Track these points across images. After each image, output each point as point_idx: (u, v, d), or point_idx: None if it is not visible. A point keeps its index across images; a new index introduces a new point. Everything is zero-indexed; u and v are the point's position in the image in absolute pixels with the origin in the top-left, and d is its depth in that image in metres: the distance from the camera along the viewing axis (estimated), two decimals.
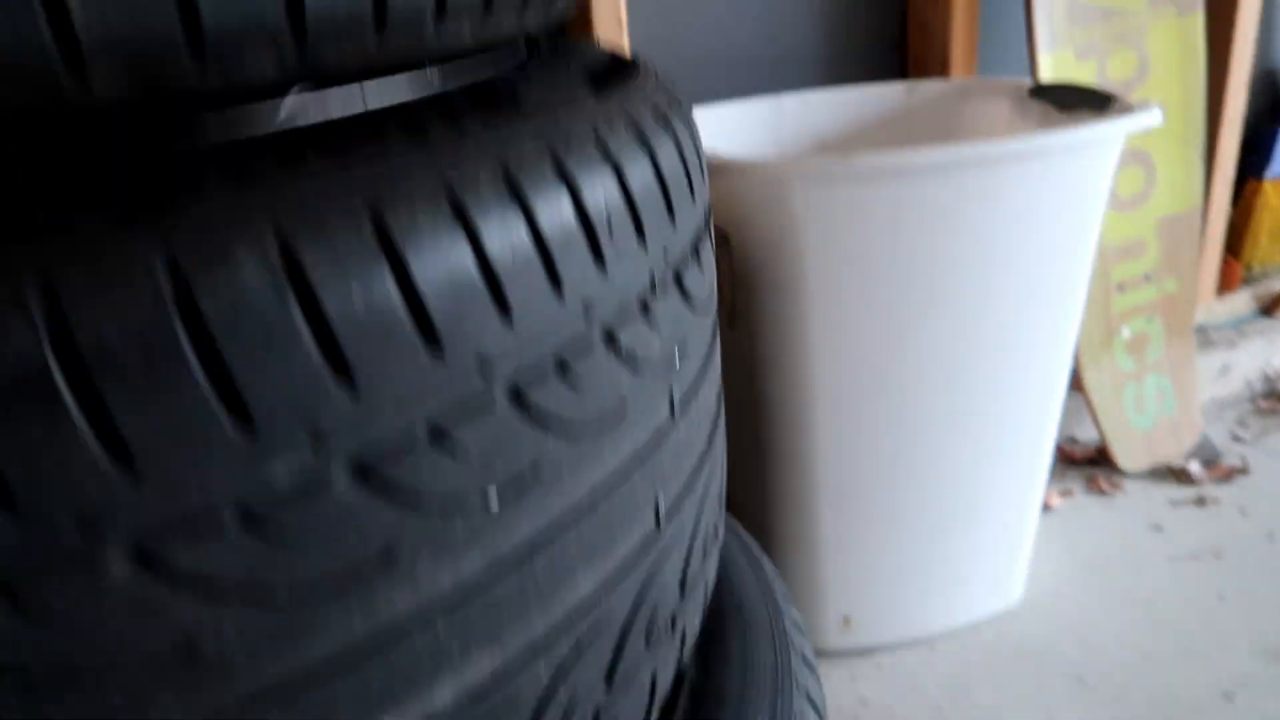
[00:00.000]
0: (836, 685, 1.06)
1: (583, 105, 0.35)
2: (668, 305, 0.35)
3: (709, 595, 0.45)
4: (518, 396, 0.30)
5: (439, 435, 0.28)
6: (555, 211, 0.31)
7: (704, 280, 0.40)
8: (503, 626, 0.31)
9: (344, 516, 0.27)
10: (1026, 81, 1.15)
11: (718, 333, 0.45)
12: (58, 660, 0.24)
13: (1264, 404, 1.61)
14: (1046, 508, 1.35)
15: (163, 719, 0.26)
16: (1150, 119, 0.92)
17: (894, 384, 0.94)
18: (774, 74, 1.27)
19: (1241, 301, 1.74)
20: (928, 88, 1.20)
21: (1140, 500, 1.36)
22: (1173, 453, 1.44)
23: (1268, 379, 1.66)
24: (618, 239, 0.32)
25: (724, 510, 0.49)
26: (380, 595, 0.28)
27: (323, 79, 0.31)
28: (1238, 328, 1.70)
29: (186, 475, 0.24)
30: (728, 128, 1.15)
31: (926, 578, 1.07)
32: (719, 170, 0.86)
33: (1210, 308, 1.69)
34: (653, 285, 0.34)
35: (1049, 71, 1.23)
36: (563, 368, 0.31)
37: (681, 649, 0.41)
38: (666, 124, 0.39)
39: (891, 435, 0.97)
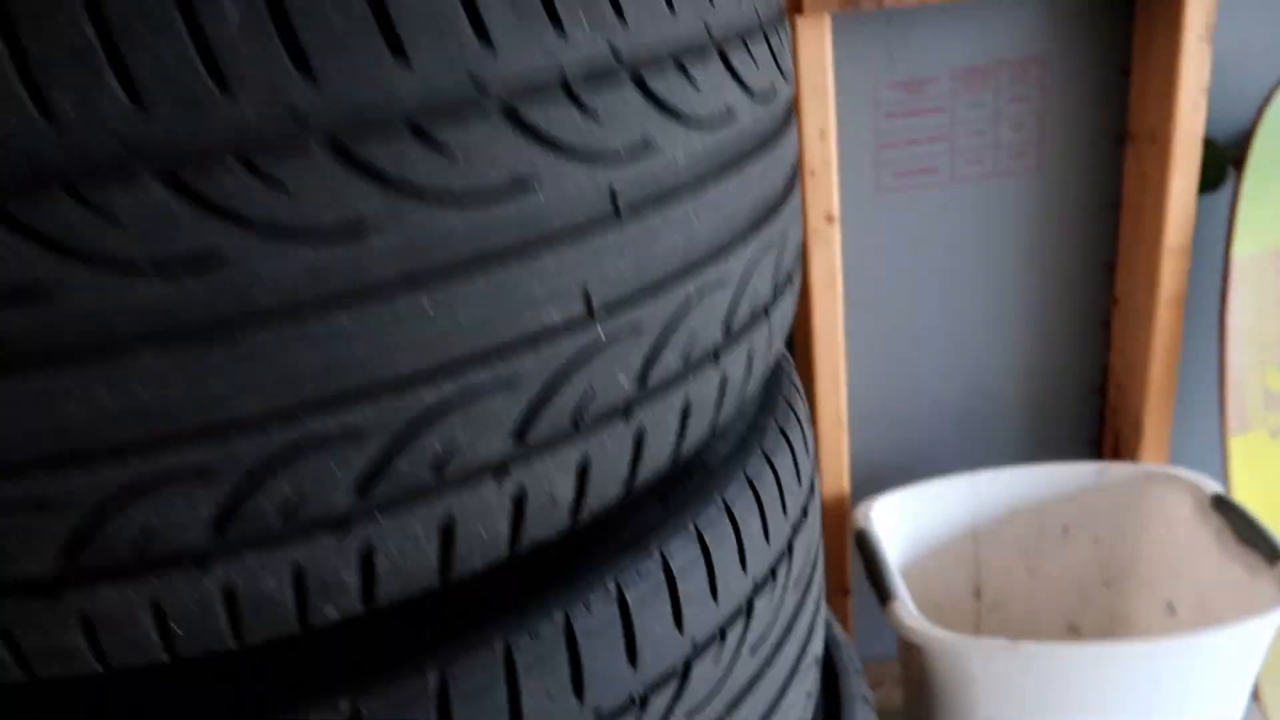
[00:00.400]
0: None
1: None
2: None
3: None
4: None
5: None
6: None
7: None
8: None
9: None
10: (1212, 486, 1.26)
11: None
12: None
13: None
14: None
15: None
16: None
17: None
18: (976, 434, 1.43)
19: None
20: (1117, 472, 1.33)
21: None
22: None
23: None
24: None
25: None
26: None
27: None
28: None
29: None
30: (930, 507, 1.32)
31: None
32: (920, 648, 1.05)
33: None
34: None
35: (1240, 456, 1.32)
36: None
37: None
38: None
39: None
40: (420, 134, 0.35)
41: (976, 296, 1.38)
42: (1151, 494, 1.31)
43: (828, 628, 0.86)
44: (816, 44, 1.11)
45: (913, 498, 1.32)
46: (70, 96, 0.30)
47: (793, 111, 0.59)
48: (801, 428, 0.65)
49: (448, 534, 0.39)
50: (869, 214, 1.31)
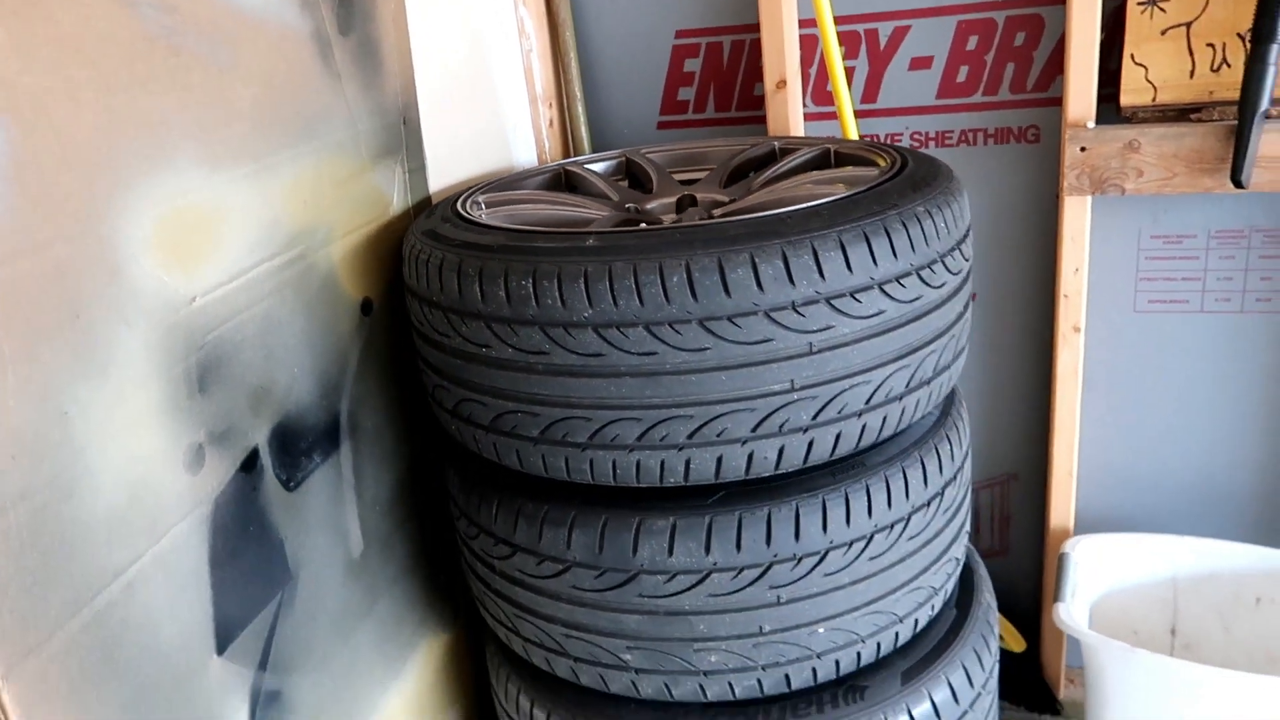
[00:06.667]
0: None
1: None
2: None
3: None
4: None
5: None
6: None
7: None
8: None
9: None
10: None
11: None
12: None
13: None
14: None
15: None
16: None
17: None
18: (1202, 507, 1.79)
19: None
20: None
21: None
22: None
23: None
24: None
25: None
26: None
27: None
28: None
29: None
30: (1134, 553, 1.73)
31: None
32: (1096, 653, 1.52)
33: None
34: None
35: None
36: None
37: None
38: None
39: None
40: (731, 320, 1.00)
41: (1216, 406, 1.73)
42: None
43: (970, 558, 1.41)
44: (1079, 211, 1.59)
45: (1120, 541, 1.73)
46: None
47: (946, 298, 1.15)
48: (954, 441, 1.22)
49: (720, 461, 1.05)
50: (1126, 329, 1.73)
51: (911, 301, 1.09)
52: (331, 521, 1.16)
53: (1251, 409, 1.73)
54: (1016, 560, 1.96)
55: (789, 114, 1.69)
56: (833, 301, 1.03)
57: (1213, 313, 1.69)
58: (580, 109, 1.80)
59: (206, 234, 0.94)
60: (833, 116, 1.74)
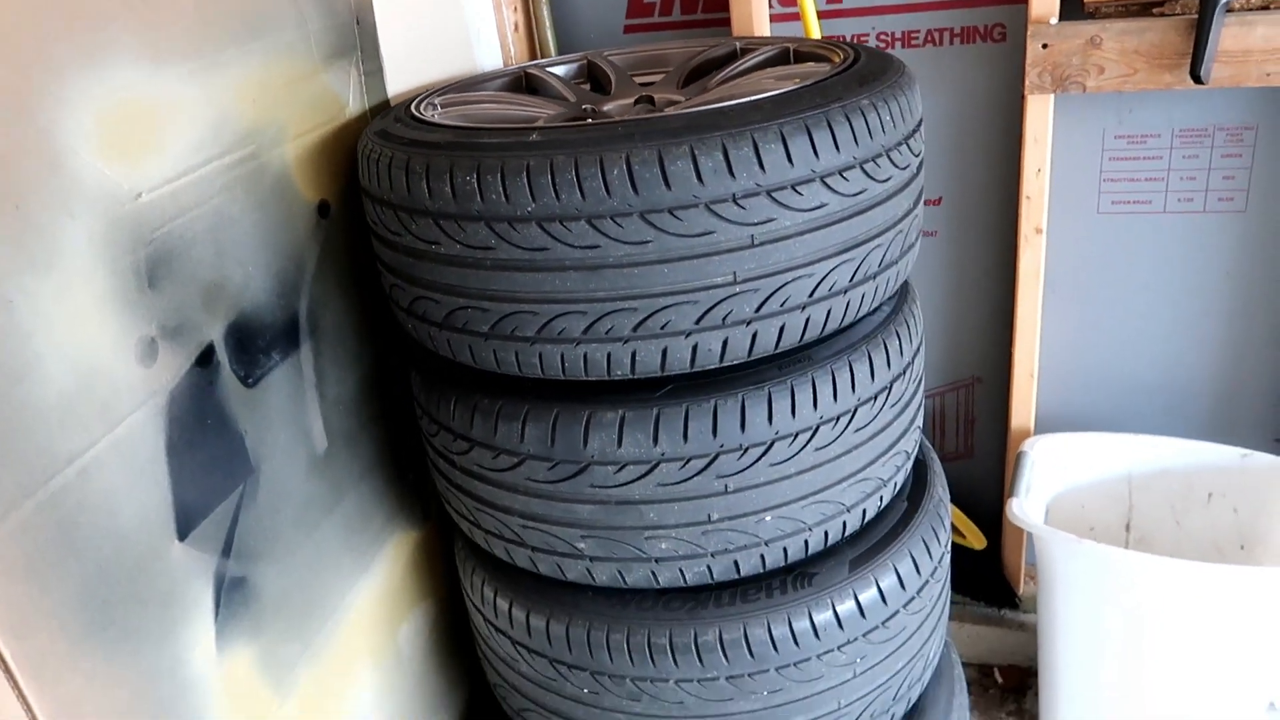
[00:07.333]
0: None
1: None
2: None
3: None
4: None
5: None
6: None
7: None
8: None
9: None
10: None
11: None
12: None
13: None
14: None
15: None
16: None
17: None
18: (1161, 407, 1.82)
19: None
20: (1259, 460, 1.67)
21: None
22: None
23: None
24: None
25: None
26: None
27: None
28: None
29: None
30: (1091, 451, 1.77)
31: None
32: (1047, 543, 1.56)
33: None
34: None
35: None
36: None
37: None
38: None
39: None
40: (672, 213, 1.02)
41: (1177, 305, 1.76)
42: None
43: (925, 453, 1.44)
44: (1041, 110, 1.59)
45: (1077, 440, 1.77)
46: None
47: (893, 193, 1.16)
48: (904, 337, 1.24)
49: (666, 354, 1.08)
50: (1089, 230, 1.75)
51: (855, 195, 1.10)
52: (293, 418, 1.19)
53: (1211, 309, 1.75)
54: (981, 462, 2.00)
55: (753, 15, 1.67)
56: (773, 194, 1.04)
57: (1175, 213, 1.71)
58: (545, 12, 1.78)
59: (150, 129, 0.95)
60: (798, 18, 1.73)
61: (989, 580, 1.97)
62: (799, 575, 1.25)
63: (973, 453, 2.01)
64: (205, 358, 1.03)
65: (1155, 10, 1.47)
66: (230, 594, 1.07)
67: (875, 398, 1.22)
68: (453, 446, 1.24)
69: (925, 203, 1.78)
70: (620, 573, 1.21)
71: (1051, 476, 1.77)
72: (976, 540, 1.94)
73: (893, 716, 1.36)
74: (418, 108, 1.28)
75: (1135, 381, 1.83)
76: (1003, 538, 1.96)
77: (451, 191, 1.04)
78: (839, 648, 1.23)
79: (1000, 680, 1.96)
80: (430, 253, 1.10)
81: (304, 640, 1.21)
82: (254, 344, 1.12)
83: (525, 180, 1.01)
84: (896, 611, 1.27)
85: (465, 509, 1.29)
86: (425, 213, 1.08)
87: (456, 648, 1.63)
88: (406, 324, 1.22)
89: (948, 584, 1.45)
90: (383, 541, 1.41)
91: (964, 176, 1.78)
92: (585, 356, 1.09)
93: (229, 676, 1.06)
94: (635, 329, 1.06)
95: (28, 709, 0.79)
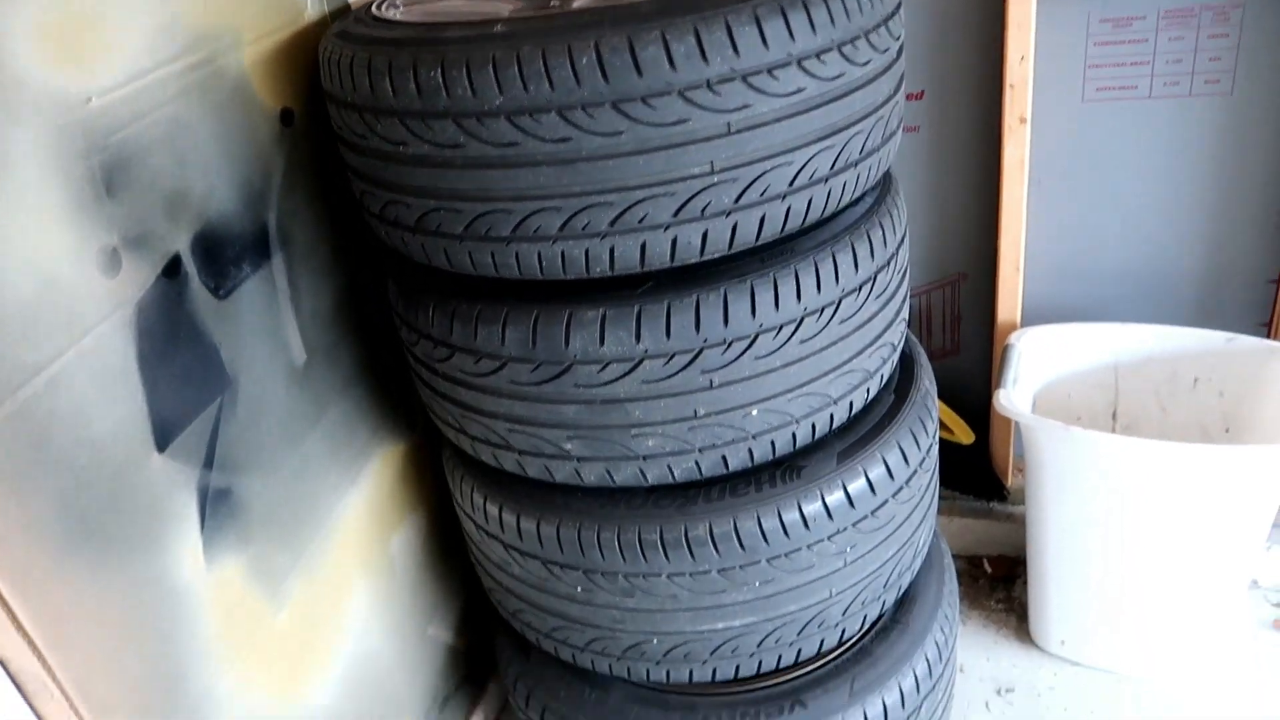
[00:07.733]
0: None
1: None
2: None
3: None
4: None
5: None
6: None
7: None
8: None
9: None
10: None
11: None
12: None
13: None
14: None
15: None
16: None
17: None
18: (1148, 295, 1.81)
19: None
20: (1245, 342, 1.67)
21: None
22: None
23: None
24: None
25: None
26: None
27: None
28: None
29: None
30: (1078, 341, 1.76)
31: None
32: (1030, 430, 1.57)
33: None
34: None
35: None
36: None
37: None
38: None
39: None
40: (645, 101, 0.99)
41: (1162, 191, 1.74)
42: (1273, 364, 1.65)
43: (911, 346, 1.45)
44: None
45: (1063, 331, 1.77)
46: None
47: (873, 77, 1.13)
48: (888, 228, 1.22)
49: (645, 249, 1.06)
50: (1074, 119, 1.71)
51: (834, 79, 1.07)
52: (269, 330, 1.17)
53: (1196, 194, 1.73)
54: (968, 358, 2.00)
55: None
56: (749, 79, 1.01)
57: (1161, 98, 1.67)
58: None
59: (96, 31, 0.91)
60: None
61: (978, 474, 1.99)
62: (787, 468, 1.25)
63: (960, 349, 2.00)
64: (172, 269, 1.01)
65: None
66: (215, 505, 1.07)
67: (860, 289, 1.21)
68: (433, 354, 1.23)
69: (907, 97, 1.75)
70: (608, 472, 1.21)
71: (1038, 368, 1.77)
72: (965, 435, 1.95)
73: (884, 603, 1.38)
74: (378, 8, 1.23)
75: (1121, 270, 1.82)
76: (991, 432, 1.97)
77: (416, 88, 1.01)
78: (829, 538, 1.24)
79: (989, 570, 1.99)
80: (398, 154, 1.07)
81: (295, 551, 1.21)
82: (223, 255, 1.10)
83: (492, 72, 0.97)
84: (885, 501, 1.28)
85: (450, 417, 1.28)
86: (390, 112, 1.04)
87: (450, 555, 1.64)
88: (379, 230, 1.20)
89: (936, 473, 1.46)
90: (369, 453, 1.41)
91: (946, 68, 1.74)
92: (563, 254, 1.07)
93: (219, 585, 1.06)
94: (612, 224, 1.04)
95: (13, 619, 0.78)
